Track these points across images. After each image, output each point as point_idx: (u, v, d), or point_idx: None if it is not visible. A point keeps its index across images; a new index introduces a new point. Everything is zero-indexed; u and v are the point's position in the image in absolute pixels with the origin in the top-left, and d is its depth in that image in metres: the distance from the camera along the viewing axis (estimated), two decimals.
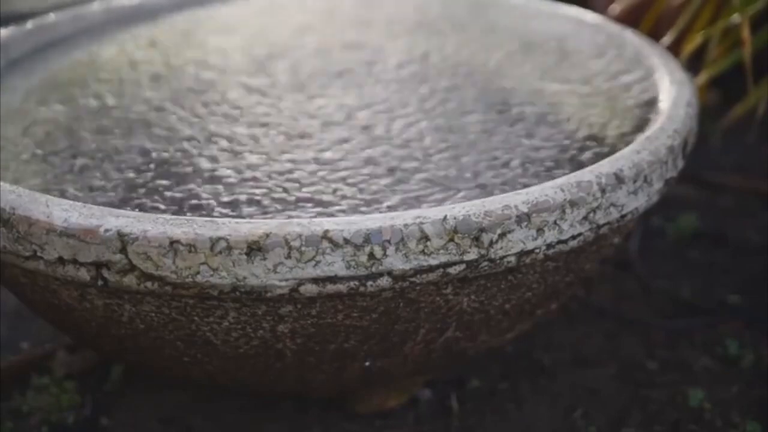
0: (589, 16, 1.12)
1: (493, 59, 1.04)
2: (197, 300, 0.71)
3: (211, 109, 0.94)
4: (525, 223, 0.71)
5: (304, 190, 0.79)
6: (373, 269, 0.68)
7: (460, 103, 0.94)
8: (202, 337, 0.74)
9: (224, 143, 0.87)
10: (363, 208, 0.76)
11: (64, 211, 0.70)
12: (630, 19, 1.20)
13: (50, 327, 0.95)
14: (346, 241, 0.67)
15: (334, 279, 0.68)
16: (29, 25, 1.08)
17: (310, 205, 0.77)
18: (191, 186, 0.80)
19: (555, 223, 0.72)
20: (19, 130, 0.90)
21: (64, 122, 0.92)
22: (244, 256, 0.67)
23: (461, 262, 0.70)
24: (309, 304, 0.71)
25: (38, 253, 0.70)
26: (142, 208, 0.77)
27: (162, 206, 0.77)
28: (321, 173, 0.82)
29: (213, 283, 0.68)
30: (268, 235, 0.67)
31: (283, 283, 0.68)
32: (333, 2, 1.23)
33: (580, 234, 0.74)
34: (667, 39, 1.13)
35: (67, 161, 0.84)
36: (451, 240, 0.69)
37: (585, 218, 0.73)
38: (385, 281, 0.69)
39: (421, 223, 0.68)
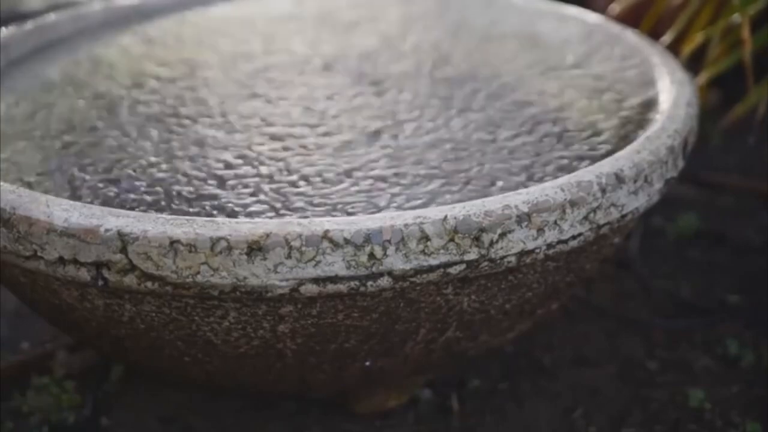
0: (589, 15, 1.12)
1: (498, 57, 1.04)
2: (198, 300, 0.71)
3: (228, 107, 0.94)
4: (525, 223, 0.71)
5: None
6: (374, 269, 0.68)
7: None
8: (202, 337, 0.74)
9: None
10: None
11: (65, 211, 0.70)
12: (630, 18, 1.20)
13: (50, 327, 0.95)
14: (347, 241, 0.67)
15: (334, 279, 0.68)
16: (29, 25, 1.08)
17: None
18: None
19: (555, 223, 0.72)
20: (19, 129, 0.90)
21: (63, 122, 0.92)
22: (245, 256, 0.67)
23: (461, 262, 0.70)
24: (309, 304, 0.71)
25: (38, 253, 0.70)
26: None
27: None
28: None
29: (213, 283, 0.68)
30: (268, 235, 0.67)
31: (284, 283, 0.68)
32: None
33: (580, 234, 0.74)
34: (667, 39, 1.13)
35: (66, 160, 0.85)
36: (452, 240, 0.69)
37: (585, 218, 0.73)
38: (385, 281, 0.69)
39: (422, 223, 0.68)
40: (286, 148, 0.86)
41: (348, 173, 0.82)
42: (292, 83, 1.00)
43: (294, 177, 0.81)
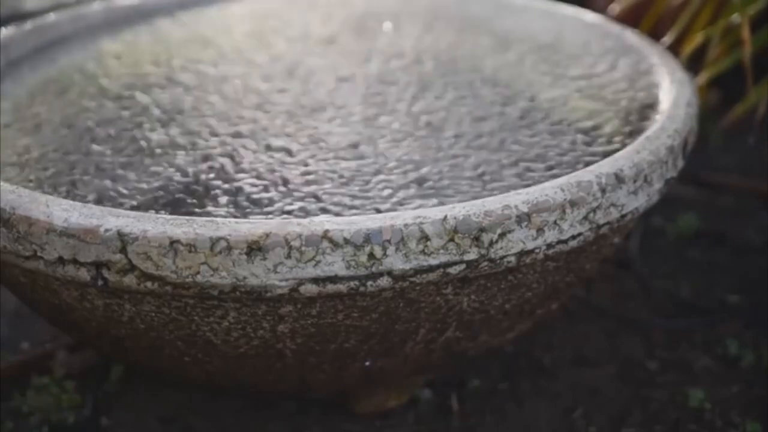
0: (588, 15, 1.12)
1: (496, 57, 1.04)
2: (197, 300, 0.71)
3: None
4: (525, 223, 0.71)
5: None
6: (373, 269, 0.68)
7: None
8: (202, 337, 0.74)
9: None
10: None
11: (65, 211, 0.70)
12: (630, 18, 1.20)
13: (50, 327, 0.95)
14: (346, 241, 0.67)
15: (334, 279, 0.68)
16: (29, 25, 1.08)
17: None
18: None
19: (555, 223, 0.72)
20: (19, 128, 0.90)
21: (63, 121, 0.92)
22: (244, 256, 0.67)
23: (461, 262, 0.70)
24: (309, 304, 0.71)
25: (38, 253, 0.70)
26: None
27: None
28: None
29: (213, 283, 0.68)
30: (268, 235, 0.67)
31: (283, 283, 0.68)
32: None
33: (580, 234, 0.74)
34: (667, 39, 1.13)
35: (65, 160, 0.85)
36: (451, 240, 0.69)
37: (585, 218, 0.73)
38: (385, 281, 0.69)
39: (421, 223, 0.68)
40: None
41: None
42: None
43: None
